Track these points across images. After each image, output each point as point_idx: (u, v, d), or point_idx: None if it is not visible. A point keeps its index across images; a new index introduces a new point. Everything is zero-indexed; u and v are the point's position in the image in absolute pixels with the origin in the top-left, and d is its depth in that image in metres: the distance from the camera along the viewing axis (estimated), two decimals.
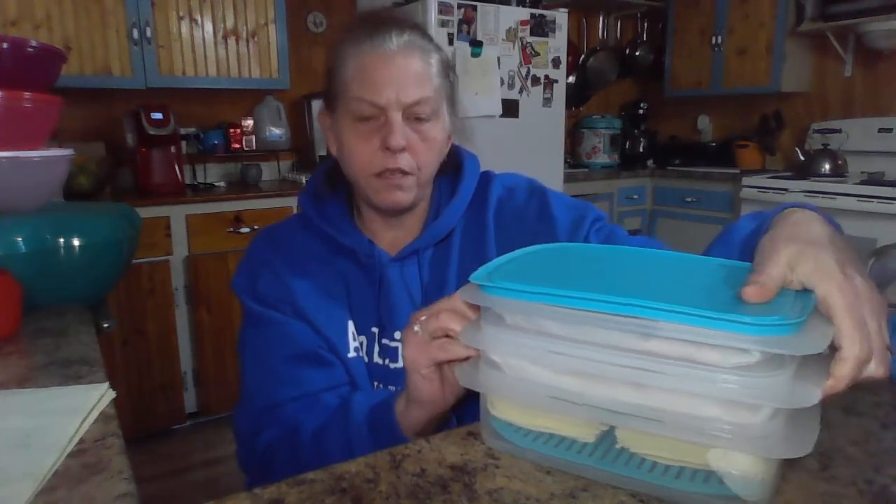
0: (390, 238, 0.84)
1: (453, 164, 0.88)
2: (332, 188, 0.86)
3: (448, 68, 0.82)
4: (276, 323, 0.80)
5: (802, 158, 3.17)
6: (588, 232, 0.82)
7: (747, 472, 0.42)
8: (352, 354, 0.80)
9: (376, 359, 0.81)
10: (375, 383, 0.81)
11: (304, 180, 2.84)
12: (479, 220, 0.85)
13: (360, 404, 0.72)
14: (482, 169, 0.90)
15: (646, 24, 4.04)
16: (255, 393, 0.80)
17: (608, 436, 0.48)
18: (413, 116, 0.76)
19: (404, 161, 0.76)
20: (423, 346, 0.59)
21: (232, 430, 0.83)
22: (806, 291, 0.46)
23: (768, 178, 3.03)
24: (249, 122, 2.95)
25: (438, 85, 0.78)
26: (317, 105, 2.99)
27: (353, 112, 0.76)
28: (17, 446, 0.56)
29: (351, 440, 0.69)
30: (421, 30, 0.80)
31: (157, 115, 2.55)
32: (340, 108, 0.78)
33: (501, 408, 0.52)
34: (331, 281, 0.82)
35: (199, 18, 2.63)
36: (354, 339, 0.81)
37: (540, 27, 2.90)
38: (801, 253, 0.47)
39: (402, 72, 0.75)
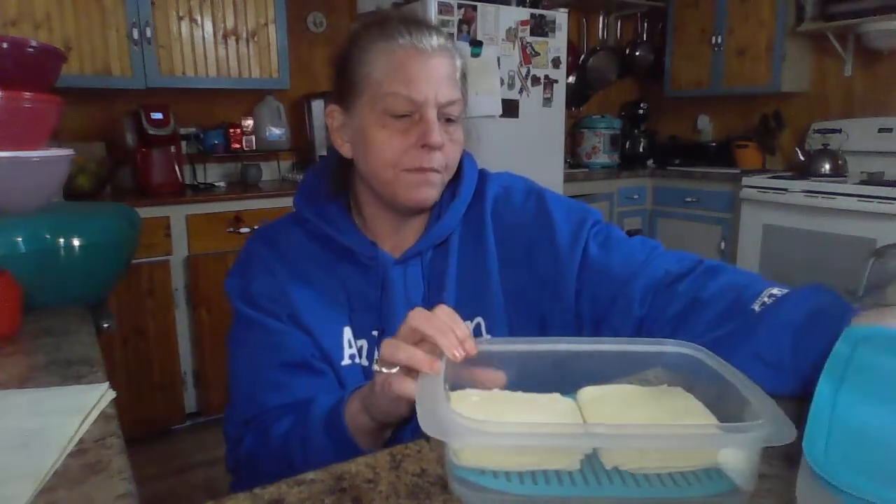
0: (393, 240, 0.84)
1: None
2: (338, 189, 0.85)
3: (466, 70, 0.82)
4: (267, 329, 0.78)
5: (802, 158, 3.17)
6: (588, 236, 0.82)
7: (749, 463, 0.44)
8: (346, 362, 0.78)
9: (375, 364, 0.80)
10: None
11: None
12: (477, 219, 0.85)
13: (320, 405, 0.71)
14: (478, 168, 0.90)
15: (646, 24, 4.04)
16: (241, 399, 0.78)
17: (593, 459, 0.47)
18: (444, 117, 0.76)
19: (438, 160, 0.76)
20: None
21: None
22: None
23: (768, 178, 3.03)
24: (249, 122, 2.95)
25: (462, 88, 0.80)
26: (317, 105, 2.99)
27: (387, 107, 0.74)
28: (17, 446, 0.56)
29: (307, 440, 0.69)
30: (448, 34, 0.81)
31: (157, 115, 2.55)
32: (364, 104, 0.77)
33: (467, 455, 0.46)
34: (329, 284, 0.80)
35: (199, 18, 2.63)
36: (351, 346, 0.79)
37: (540, 27, 2.90)
38: None
39: (437, 72, 0.75)
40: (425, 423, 0.43)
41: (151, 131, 2.54)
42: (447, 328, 0.56)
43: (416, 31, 0.76)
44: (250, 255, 0.83)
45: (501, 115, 2.82)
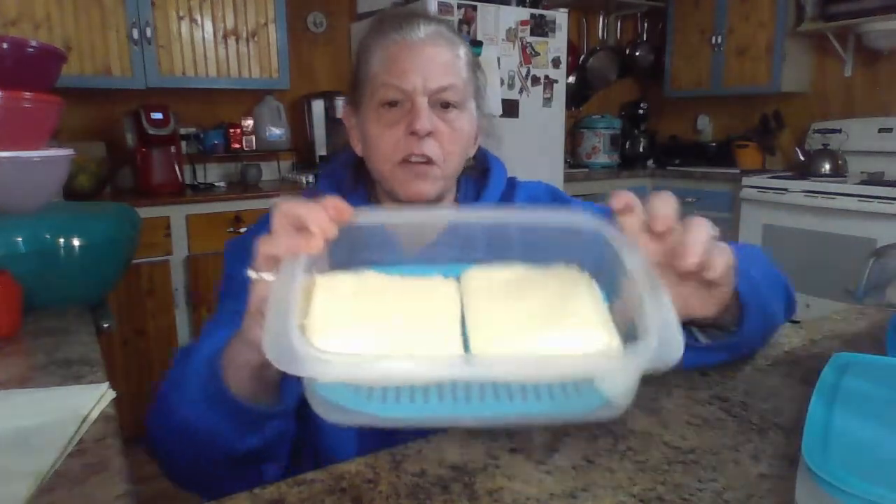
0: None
1: (480, 167, 0.87)
2: (355, 185, 0.84)
3: (477, 65, 0.82)
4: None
5: (802, 158, 3.17)
6: None
7: (625, 382, 0.42)
8: None
9: None
10: None
11: (304, 180, 2.84)
12: None
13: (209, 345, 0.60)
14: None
15: (646, 24, 4.04)
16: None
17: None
18: (440, 102, 0.76)
19: (429, 147, 0.75)
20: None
21: None
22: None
23: (768, 178, 3.03)
24: (249, 122, 2.94)
25: (466, 78, 0.79)
26: (317, 105, 2.99)
27: (380, 98, 0.76)
28: (18, 446, 0.56)
29: (187, 377, 0.60)
30: (448, 23, 0.81)
31: (157, 115, 2.55)
32: (366, 101, 0.78)
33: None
34: None
35: (199, 18, 2.63)
36: None
37: (540, 27, 2.90)
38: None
39: (429, 59, 0.75)
40: (270, 348, 0.36)
41: (151, 131, 2.54)
42: (318, 206, 0.47)
43: (406, 23, 0.77)
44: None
45: (501, 115, 2.82)
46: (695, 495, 0.46)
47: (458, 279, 0.51)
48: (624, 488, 0.47)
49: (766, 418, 0.58)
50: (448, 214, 0.55)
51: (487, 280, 0.50)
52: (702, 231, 0.50)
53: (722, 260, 0.51)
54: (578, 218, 0.52)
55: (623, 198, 0.52)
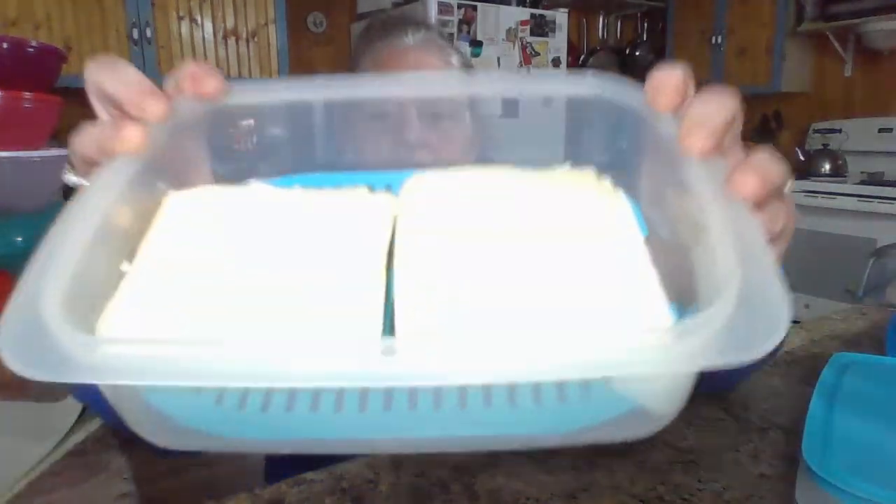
0: None
1: None
2: None
3: (468, 68, 0.80)
4: None
5: (802, 158, 3.17)
6: None
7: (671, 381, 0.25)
8: None
9: None
10: None
11: None
12: None
13: None
14: None
15: (646, 24, 4.04)
16: None
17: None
18: (431, 112, 0.72)
19: (420, 158, 0.71)
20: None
21: None
22: None
23: None
24: (249, 123, 2.94)
25: None
26: None
27: (367, 110, 0.73)
28: (19, 433, 0.56)
29: None
30: (439, 30, 0.79)
31: None
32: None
33: None
34: None
35: (199, 18, 2.63)
36: None
37: (540, 27, 2.90)
38: None
39: (418, 66, 0.73)
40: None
41: None
42: (139, 79, 0.30)
43: (393, 30, 0.75)
44: None
45: (501, 115, 2.82)
46: (695, 495, 0.46)
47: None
48: (624, 488, 0.47)
49: (766, 418, 0.58)
50: (396, 88, 0.36)
51: (443, 195, 0.31)
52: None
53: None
54: (585, 84, 0.33)
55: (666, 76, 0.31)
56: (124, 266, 0.26)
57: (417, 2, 2.63)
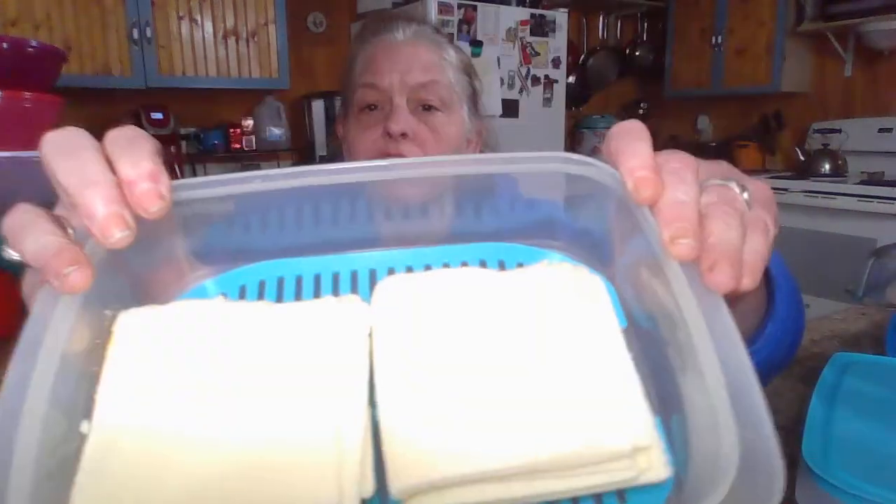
0: None
1: None
2: None
3: (470, 69, 0.80)
4: None
5: (802, 158, 3.17)
6: None
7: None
8: None
9: None
10: None
11: None
12: None
13: None
14: None
15: (646, 24, 4.04)
16: None
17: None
18: (421, 103, 0.73)
19: (407, 149, 0.71)
20: None
21: None
22: None
23: (768, 178, 3.03)
24: (249, 122, 2.95)
25: (454, 78, 0.76)
26: (317, 105, 2.99)
27: (360, 102, 0.74)
28: None
29: None
30: (432, 25, 0.80)
31: (157, 115, 2.55)
32: (351, 108, 0.77)
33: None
34: None
35: (199, 18, 2.63)
36: None
37: (540, 27, 2.90)
38: None
39: (407, 57, 0.73)
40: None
41: (151, 131, 2.52)
42: (99, 170, 0.26)
43: (386, 26, 0.76)
44: None
45: (501, 115, 2.82)
46: None
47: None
48: None
49: None
50: (357, 175, 0.31)
51: (417, 310, 0.29)
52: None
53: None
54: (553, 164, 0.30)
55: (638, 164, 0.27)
56: (84, 426, 0.25)
57: (417, 2, 2.63)
